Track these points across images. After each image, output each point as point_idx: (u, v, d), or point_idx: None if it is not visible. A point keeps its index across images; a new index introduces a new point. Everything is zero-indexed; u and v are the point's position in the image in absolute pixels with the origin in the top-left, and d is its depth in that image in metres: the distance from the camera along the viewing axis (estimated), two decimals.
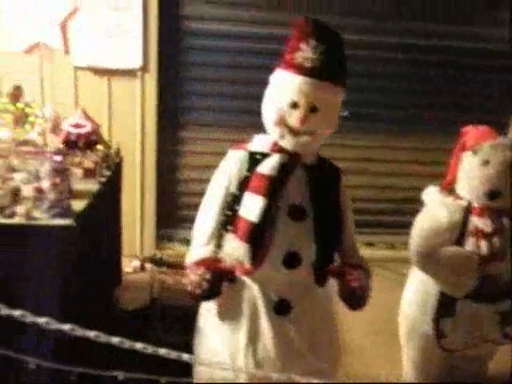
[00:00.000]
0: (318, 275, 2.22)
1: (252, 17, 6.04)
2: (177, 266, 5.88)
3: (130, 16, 5.62)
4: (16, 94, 5.03)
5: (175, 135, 5.96)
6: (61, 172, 2.74)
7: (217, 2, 6.02)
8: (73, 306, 2.79)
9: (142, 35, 5.62)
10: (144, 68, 5.74)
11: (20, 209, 2.83)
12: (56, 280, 2.78)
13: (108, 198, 4.06)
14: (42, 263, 2.79)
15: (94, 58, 5.74)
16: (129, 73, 5.83)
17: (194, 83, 6.00)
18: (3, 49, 5.59)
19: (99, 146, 4.62)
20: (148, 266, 5.83)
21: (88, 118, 4.90)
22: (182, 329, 4.04)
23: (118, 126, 5.93)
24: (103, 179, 3.74)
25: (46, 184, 2.84)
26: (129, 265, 5.60)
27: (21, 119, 5.01)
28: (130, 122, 5.95)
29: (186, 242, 6.22)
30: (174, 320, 4.38)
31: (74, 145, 4.59)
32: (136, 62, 5.65)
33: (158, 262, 5.99)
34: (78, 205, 3.04)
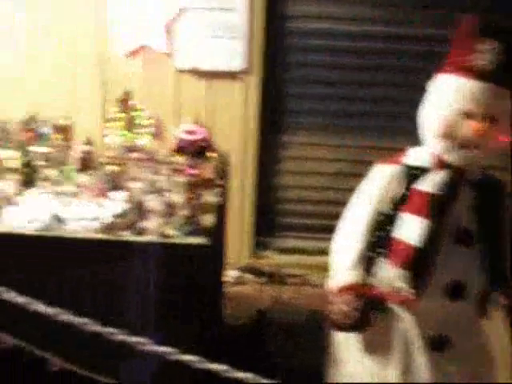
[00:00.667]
0: (482, 305, 2.04)
1: (358, 14, 5.70)
2: (275, 276, 5.66)
3: (234, 16, 5.43)
4: (125, 99, 4.99)
5: (277, 139, 5.69)
6: (195, 186, 2.53)
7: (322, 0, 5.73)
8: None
9: (246, 36, 5.40)
10: (247, 70, 5.52)
11: (151, 225, 2.64)
12: (190, 301, 2.58)
13: (223, 209, 3.86)
14: (173, 282, 2.60)
15: (196, 60, 5.61)
16: (231, 75, 5.65)
17: (297, 85, 5.72)
18: (108, 53, 5.61)
19: (211, 154, 4.45)
20: (247, 276, 5.62)
21: (199, 124, 4.78)
22: (296, 347, 3.82)
23: (218, 130, 5.76)
24: (221, 190, 3.52)
25: (178, 198, 2.64)
26: (228, 275, 5.41)
27: (131, 125, 4.95)
28: (232, 126, 5.77)
29: (283, 250, 5.99)
30: (285, 337, 4.14)
31: (185, 152, 4.45)
32: (239, 63, 5.44)
33: (256, 272, 5.78)
34: (206, 219, 2.83)
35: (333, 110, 5.75)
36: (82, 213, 2.83)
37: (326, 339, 2.38)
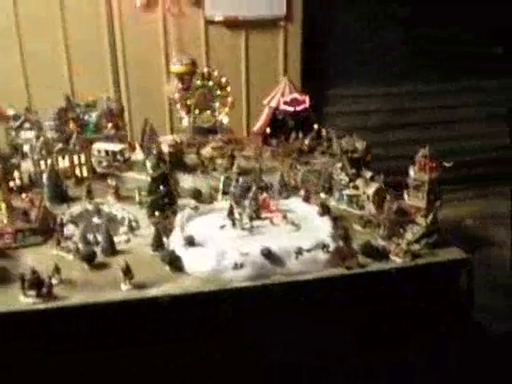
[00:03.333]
0: None
1: None
2: None
3: None
4: (193, 68, 4.43)
5: (319, 90, 5.47)
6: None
7: None
8: None
9: None
10: (287, 17, 5.15)
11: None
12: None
13: None
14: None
15: (229, 8, 5.07)
16: (270, 24, 5.23)
17: (338, 34, 5.44)
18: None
19: (316, 126, 4.21)
20: None
21: (297, 89, 4.39)
22: None
23: (257, 82, 5.42)
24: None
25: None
26: None
27: (206, 100, 4.48)
28: (271, 78, 5.42)
29: None
30: None
31: (282, 128, 4.17)
32: (280, 9, 5.04)
33: None
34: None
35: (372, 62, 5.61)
36: (288, 244, 2.71)
37: None
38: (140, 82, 5.59)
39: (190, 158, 4.70)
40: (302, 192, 3.80)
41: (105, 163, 4.54)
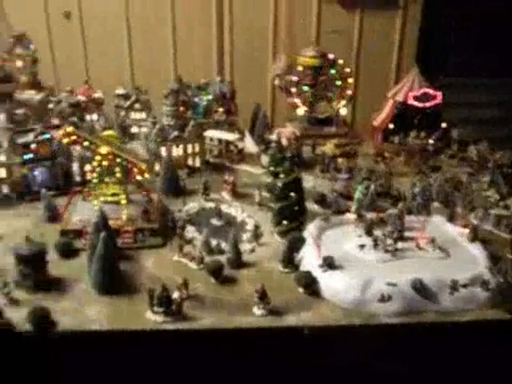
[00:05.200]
0: None
1: None
2: None
3: None
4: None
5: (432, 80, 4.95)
6: None
7: None
8: None
9: None
10: None
11: None
12: None
13: None
14: None
15: None
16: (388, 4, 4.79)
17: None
18: None
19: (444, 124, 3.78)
20: None
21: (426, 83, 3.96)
22: None
23: (367, 69, 5.00)
24: None
25: None
26: None
27: (326, 89, 4.12)
28: (384, 64, 5.00)
29: None
30: None
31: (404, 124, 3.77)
32: None
33: None
34: None
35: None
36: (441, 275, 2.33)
37: None
38: (246, 64, 5.31)
39: (305, 151, 4.37)
40: (437, 204, 3.39)
41: (216, 152, 4.27)
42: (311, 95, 4.38)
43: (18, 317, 2.52)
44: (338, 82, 4.34)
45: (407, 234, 2.98)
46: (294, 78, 4.43)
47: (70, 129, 3.04)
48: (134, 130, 4.54)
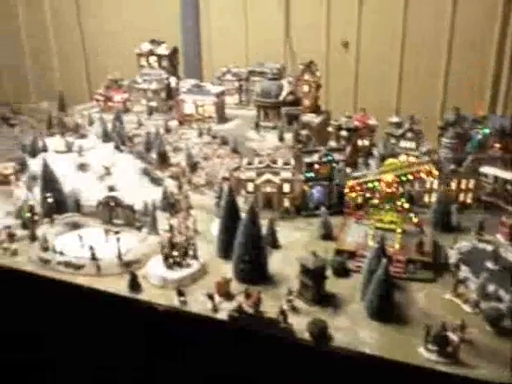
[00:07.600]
0: None
1: None
2: None
3: None
4: None
5: None
6: None
7: None
8: None
9: None
10: None
11: None
12: None
13: None
14: None
15: None
16: None
17: None
18: None
19: None
20: None
21: None
22: None
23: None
24: None
25: None
26: None
27: None
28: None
29: None
30: None
31: None
32: None
33: None
34: None
35: None
36: None
37: None
38: None
39: None
40: None
41: (488, 189, 4.05)
42: None
43: (296, 324, 2.74)
44: None
45: None
46: None
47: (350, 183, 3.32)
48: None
